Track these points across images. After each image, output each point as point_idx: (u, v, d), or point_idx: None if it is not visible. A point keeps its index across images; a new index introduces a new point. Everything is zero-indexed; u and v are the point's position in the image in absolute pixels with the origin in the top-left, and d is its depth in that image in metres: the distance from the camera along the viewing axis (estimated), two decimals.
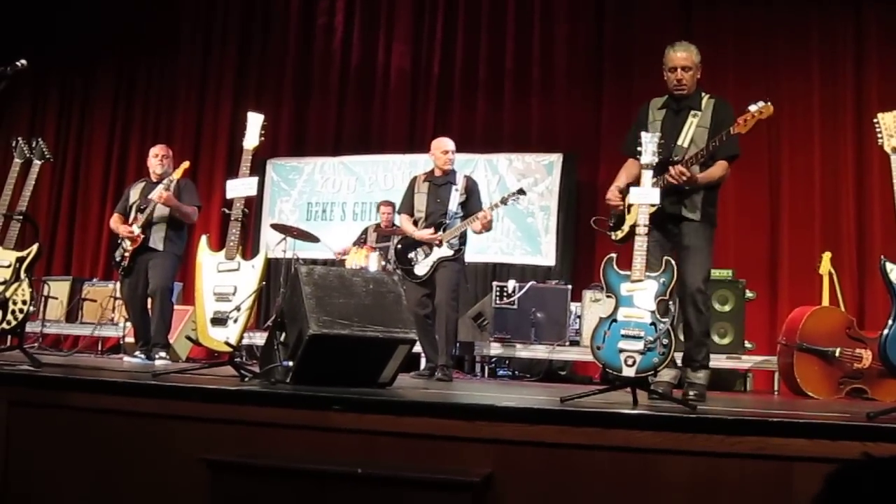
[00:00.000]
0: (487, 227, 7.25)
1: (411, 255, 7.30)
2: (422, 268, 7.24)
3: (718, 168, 5.21)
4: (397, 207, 7.79)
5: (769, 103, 4.98)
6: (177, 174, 7.47)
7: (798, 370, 7.18)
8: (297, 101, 11.89)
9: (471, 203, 7.36)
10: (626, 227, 5.32)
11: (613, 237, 5.44)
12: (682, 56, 5.40)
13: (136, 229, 7.42)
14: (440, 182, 7.43)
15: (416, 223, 7.39)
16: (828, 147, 9.43)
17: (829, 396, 7.07)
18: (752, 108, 4.99)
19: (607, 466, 3.47)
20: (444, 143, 7.53)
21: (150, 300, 7.57)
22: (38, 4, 12.45)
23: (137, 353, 7.45)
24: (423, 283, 7.25)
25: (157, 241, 7.46)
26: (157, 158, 7.85)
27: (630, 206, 5.23)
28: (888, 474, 1.25)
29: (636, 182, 4.95)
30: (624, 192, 5.30)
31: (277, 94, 11.91)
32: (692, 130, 5.26)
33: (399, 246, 7.49)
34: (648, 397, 4.54)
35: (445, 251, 7.19)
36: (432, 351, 7.21)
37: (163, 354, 7.30)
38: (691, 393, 5.08)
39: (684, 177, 5.00)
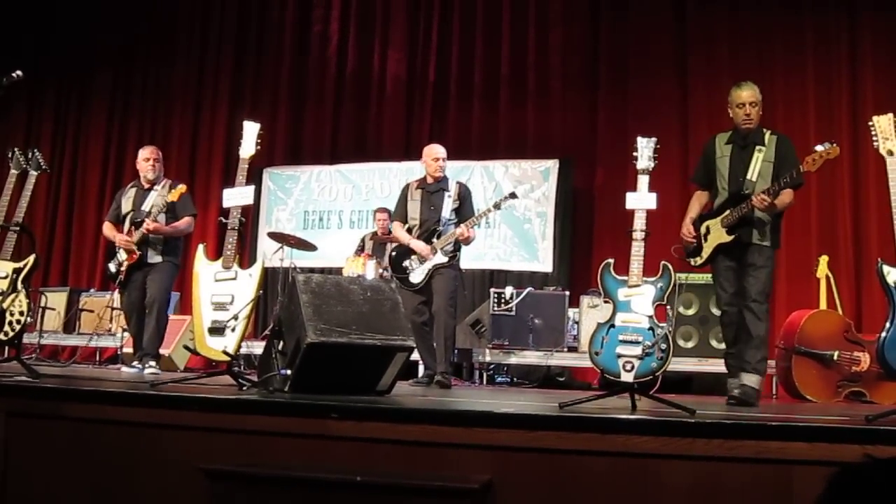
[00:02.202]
0: (465, 242, 7.28)
1: (406, 263, 7.31)
2: (417, 276, 7.24)
3: (787, 196, 5.61)
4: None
5: (836, 145, 5.35)
6: (172, 196, 7.32)
7: (796, 374, 7.18)
8: (292, 110, 11.89)
9: (464, 209, 7.39)
10: (704, 255, 5.79)
11: (693, 263, 5.91)
12: (748, 93, 5.72)
13: (133, 245, 7.32)
14: (433, 189, 7.45)
15: (409, 230, 7.41)
16: None
17: (828, 400, 7.07)
18: (819, 148, 5.37)
19: (607, 472, 3.47)
20: (435, 151, 7.55)
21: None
22: (34, 15, 12.45)
23: (135, 363, 7.40)
24: (419, 290, 7.26)
25: (153, 255, 7.33)
26: (147, 162, 7.66)
27: (707, 233, 5.76)
28: (890, 475, 1.25)
29: (707, 211, 5.80)
30: (697, 223, 5.85)
31: (273, 102, 11.91)
32: (759, 165, 5.66)
33: (394, 254, 7.49)
34: (727, 402, 5.35)
35: (440, 258, 7.22)
36: (430, 358, 7.21)
37: (153, 364, 7.27)
38: (736, 391, 5.44)
39: (765, 202, 5.45)
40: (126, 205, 7.60)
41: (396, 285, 5.82)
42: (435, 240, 7.26)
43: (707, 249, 5.74)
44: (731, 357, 5.79)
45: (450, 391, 6.64)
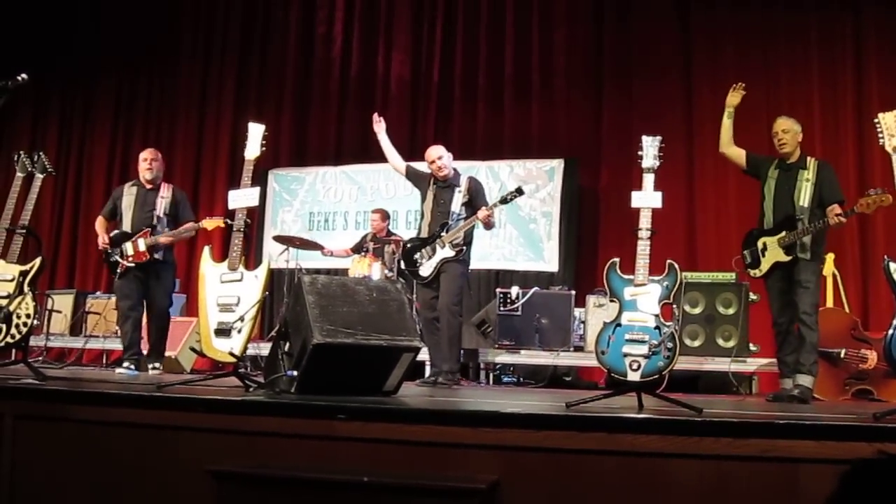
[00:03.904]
0: (488, 224, 7.37)
1: (416, 256, 7.39)
2: (426, 269, 7.30)
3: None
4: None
5: (889, 195, 5.87)
6: (209, 224, 7.53)
7: None
8: (297, 111, 11.90)
9: (476, 203, 7.41)
10: (763, 268, 6.35)
11: (753, 274, 6.48)
12: (779, 123, 6.50)
13: (142, 245, 7.37)
14: (443, 185, 7.51)
15: (420, 226, 7.57)
16: (829, 147, 9.39)
17: (835, 398, 7.05)
18: (873, 193, 5.98)
19: (614, 471, 3.47)
20: (430, 154, 7.63)
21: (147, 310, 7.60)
22: (40, 19, 12.47)
23: (126, 364, 7.39)
24: (429, 284, 7.32)
25: (160, 254, 7.45)
26: (144, 163, 7.73)
27: (764, 249, 6.32)
28: None
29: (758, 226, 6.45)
30: (754, 236, 6.46)
31: (278, 104, 11.92)
32: (808, 190, 6.27)
33: (409, 245, 7.54)
34: (788, 398, 6.00)
35: (448, 252, 7.24)
36: (438, 356, 7.23)
37: (157, 366, 7.28)
38: (795, 391, 6.03)
39: (843, 221, 6.07)
40: (127, 202, 7.63)
41: (403, 286, 5.81)
42: (444, 233, 7.29)
43: (766, 264, 6.32)
44: (782, 362, 6.39)
45: (456, 391, 6.63)
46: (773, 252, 6.25)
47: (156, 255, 7.41)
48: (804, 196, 6.22)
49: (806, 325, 6.11)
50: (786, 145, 6.38)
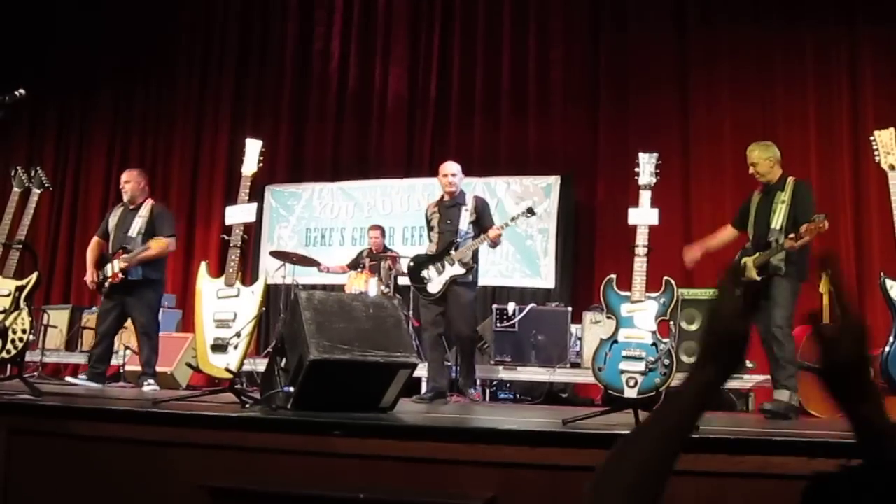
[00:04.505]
0: (496, 242, 7.47)
1: (424, 273, 7.41)
2: (435, 285, 7.33)
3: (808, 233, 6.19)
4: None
5: (825, 222, 5.97)
6: (154, 245, 7.36)
7: (800, 389, 7.15)
8: (294, 127, 11.91)
9: (483, 221, 7.49)
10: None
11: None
12: (750, 153, 6.54)
13: (117, 266, 7.28)
14: (449, 205, 7.55)
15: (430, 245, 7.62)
16: (824, 164, 9.43)
17: (832, 415, 7.03)
18: (817, 218, 6.03)
19: None
20: (446, 167, 7.65)
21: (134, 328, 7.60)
22: (36, 32, 12.49)
23: (82, 375, 7.40)
24: (437, 301, 7.35)
25: (135, 273, 7.30)
26: (122, 185, 7.68)
27: (745, 269, 6.30)
28: (859, 482, 1.27)
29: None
30: (739, 257, 6.50)
31: (275, 119, 11.94)
32: (781, 212, 6.37)
33: (412, 264, 7.56)
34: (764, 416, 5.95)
35: (458, 269, 7.28)
36: (439, 372, 7.30)
37: (150, 382, 7.27)
38: (768, 406, 6.07)
39: (794, 247, 6.10)
40: (113, 223, 7.60)
41: (399, 302, 5.81)
42: (453, 251, 7.33)
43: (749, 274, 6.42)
44: (772, 378, 6.43)
45: (453, 407, 6.63)
46: (750, 272, 6.35)
47: (130, 276, 7.26)
48: (777, 217, 6.35)
49: (777, 340, 6.16)
50: (760, 176, 6.52)
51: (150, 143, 12.55)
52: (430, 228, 7.63)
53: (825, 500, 1.23)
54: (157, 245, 7.35)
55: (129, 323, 9.05)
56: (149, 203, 7.60)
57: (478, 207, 7.53)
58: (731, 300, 1.32)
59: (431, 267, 7.38)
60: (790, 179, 6.47)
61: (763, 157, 6.47)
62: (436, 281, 7.33)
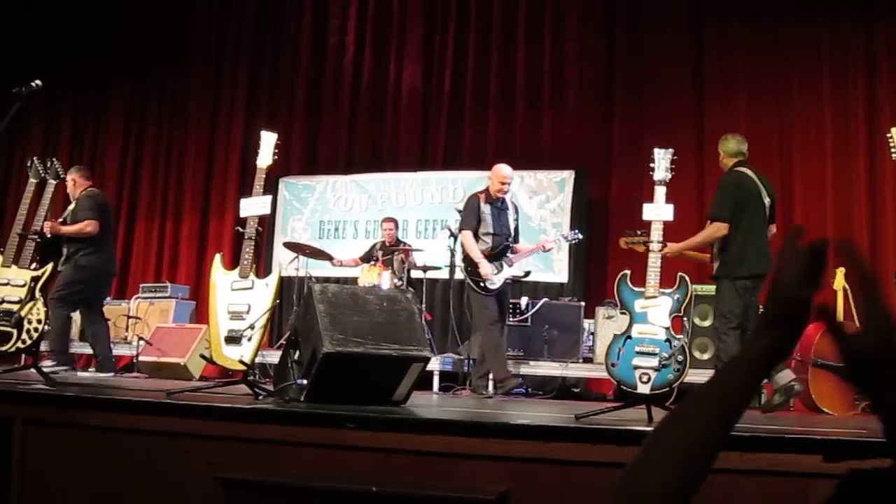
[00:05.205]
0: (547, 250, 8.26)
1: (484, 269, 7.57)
2: (497, 281, 7.56)
3: (699, 236, 6.32)
4: (461, 224, 7.85)
5: (643, 246, 5.65)
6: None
7: (813, 386, 7.14)
8: (308, 120, 11.92)
9: (518, 225, 7.93)
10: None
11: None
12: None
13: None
14: (501, 207, 7.79)
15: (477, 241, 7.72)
16: (840, 162, 9.39)
17: (845, 413, 7.02)
18: (637, 235, 6.12)
19: None
20: (504, 173, 7.82)
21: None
22: (52, 25, 12.52)
23: (92, 368, 7.52)
24: (495, 296, 7.57)
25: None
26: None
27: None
28: None
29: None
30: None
31: (289, 112, 11.94)
32: None
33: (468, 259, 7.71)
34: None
35: (517, 271, 7.76)
36: (501, 365, 7.50)
37: (51, 363, 7.33)
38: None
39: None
40: None
41: (413, 295, 5.80)
42: (510, 254, 7.68)
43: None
44: None
45: (465, 402, 6.64)
46: None
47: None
48: None
49: (717, 338, 6.33)
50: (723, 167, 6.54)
51: (164, 135, 12.58)
52: (478, 222, 7.71)
53: (861, 499, 1.21)
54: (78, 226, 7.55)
55: (143, 314, 9.18)
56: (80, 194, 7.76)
57: (517, 214, 7.93)
58: (794, 264, 1.26)
59: (492, 264, 7.60)
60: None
61: (719, 150, 6.56)
62: (496, 278, 7.54)
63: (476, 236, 7.69)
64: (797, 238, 1.29)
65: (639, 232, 6.04)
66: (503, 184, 7.73)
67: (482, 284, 7.50)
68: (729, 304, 6.14)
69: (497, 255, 7.61)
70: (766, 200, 6.19)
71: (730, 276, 6.18)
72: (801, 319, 1.26)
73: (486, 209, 7.69)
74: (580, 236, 8.58)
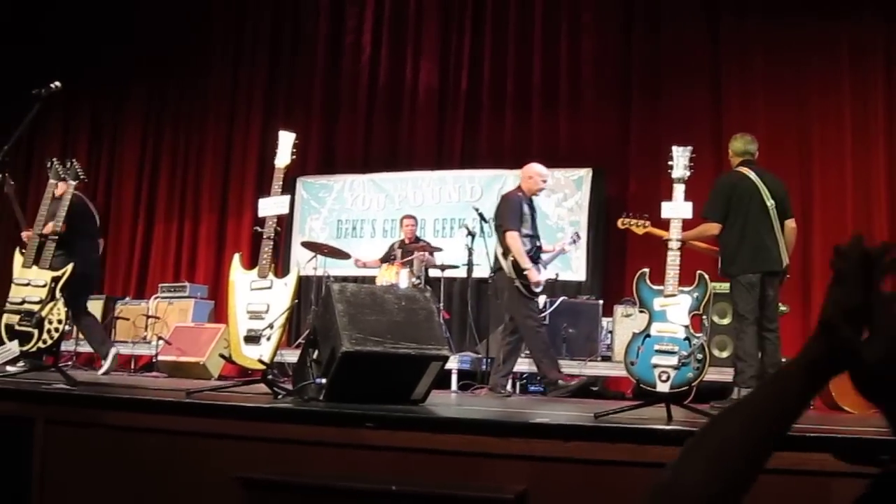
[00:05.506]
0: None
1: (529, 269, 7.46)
2: (539, 285, 7.47)
3: (696, 231, 6.21)
4: (507, 223, 7.50)
5: (644, 226, 6.25)
6: None
7: (833, 385, 7.00)
8: (325, 119, 11.94)
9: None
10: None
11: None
12: None
13: None
14: (532, 206, 7.69)
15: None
16: (859, 162, 9.33)
17: (865, 411, 6.98)
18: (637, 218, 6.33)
19: (643, 483, 3.43)
20: (545, 170, 7.81)
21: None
22: (70, 26, 12.58)
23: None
24: (535, 296, 7.50)
25: None
26: None
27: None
28: None
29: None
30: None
31: (306, 112, 11.96)
32: None
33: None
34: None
35: (550, 274, 7.78)
36: (553, 366, 7.46)
37: None
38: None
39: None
40: None
41: (431, 294, 5.81)
42: (543, 256, 7.66)
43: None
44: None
45: (484, 400, 6.64)
46: None
47: None
48: None
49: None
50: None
51: (182, 135, 12.62)
52: (521, 220, 7.57)
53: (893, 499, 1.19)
54: None
55: (163, 313, 9.23)
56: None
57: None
58: (851, 266, 1.21)
59: (538, 265, 7.54)
60: None
61: (729, 149, 6.63)
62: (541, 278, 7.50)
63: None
64: (856, 244, 1.23)
65: (645, 215, 6.20)
66: (544, 181, 7.72)
67: (530, 287, 7.38)
68: (740, 301, 6.20)
69: (534, 256, 7.50)
70: (770, 202, 6.17)
71: (728, 273, 6.29)
72: (852, 328, 1.19)
73: (526, 209, 7.57)
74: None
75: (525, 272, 7.29)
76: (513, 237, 7.37)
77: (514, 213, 7.48)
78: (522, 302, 7.35)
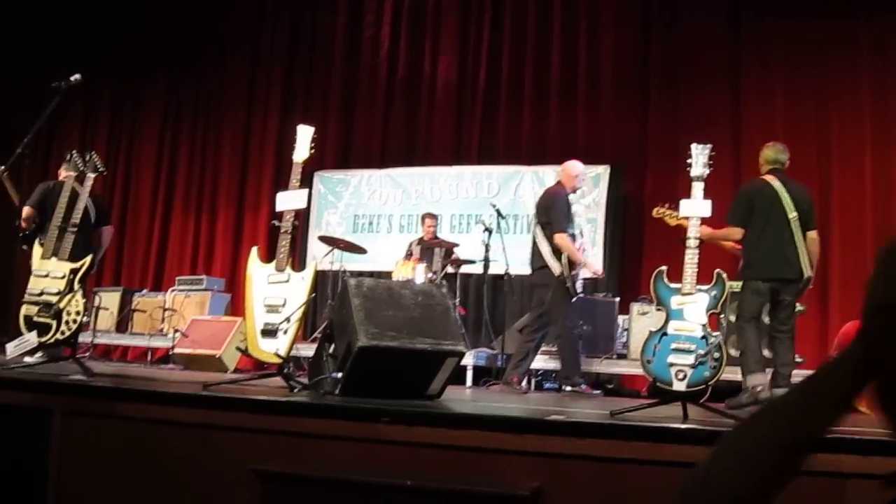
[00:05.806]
0: None
1: (574, 272, 7.46)
2: (579, 286, 7.52)
3: (717, 232, 6.23)
4: (557, 224, 7.47)
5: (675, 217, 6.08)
6: None
7: None
8: (343, 114, 11.94)
9: None
10: None
11: None
12: None
13: None
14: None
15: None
16: (879, 162, 9.28)
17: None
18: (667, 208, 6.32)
19: (658, 481, 3.44)
20: (585, 170, 7.94)
21: None
22: (90, 20, 12.63)
23: None
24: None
25: None
26: None
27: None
28: None
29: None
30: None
31: (324, 106, 11.96)
32: None
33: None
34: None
35: (586, 272, 7.69)
36: (578, 370, 7.50)
37: None
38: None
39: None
40: None
41: (447, 290, 5.81)
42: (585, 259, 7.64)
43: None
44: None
45: (499, 396, 6.64)
46: None
47: None
48: None
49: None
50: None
51: (200, 129, 12.65)
52: (568, 220, 7.58)
53: None
54: None
55: (179, 306, 9.26)
56: None
57: None
58: (878, 270, 1.17)
59: (579, 269, 7.51)
60: None
61: (759, 157, 6.61)
62: (579, 283, 7.52)
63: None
64: (891, 247, 1.18)
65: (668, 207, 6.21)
66: (583, 180, 7.81)
67: (576, 287, 7.40)
68: (744, 303, 6.23)
69: None
70: (792, 213, 6.13)
71: (742, 276, 6.31)
72: (888, 327, 1.14)
73: (572, 207, 7.60)
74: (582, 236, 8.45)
75: (583, 266, 7.49)
76: (562, 238, 7.38)
77: (563, 213, 7.51)
78: (564, 301, 7.36)
